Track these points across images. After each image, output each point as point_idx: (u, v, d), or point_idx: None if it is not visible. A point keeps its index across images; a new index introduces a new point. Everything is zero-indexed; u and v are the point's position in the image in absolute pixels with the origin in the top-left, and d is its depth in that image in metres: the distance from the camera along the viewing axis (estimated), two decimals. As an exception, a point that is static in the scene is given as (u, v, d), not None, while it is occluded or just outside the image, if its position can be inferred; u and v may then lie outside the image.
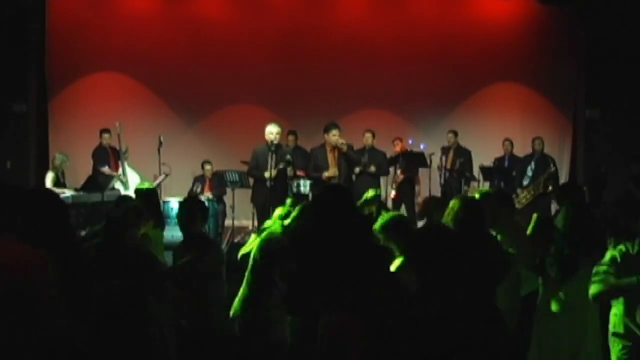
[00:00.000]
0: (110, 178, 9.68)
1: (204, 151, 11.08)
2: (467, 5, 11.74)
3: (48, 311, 2.66)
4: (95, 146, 10.03)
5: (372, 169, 9.11)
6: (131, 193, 7.01)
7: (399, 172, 10.03)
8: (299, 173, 8.55)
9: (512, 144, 10.60)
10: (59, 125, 11.21)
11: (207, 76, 11.39)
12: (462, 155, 10.31)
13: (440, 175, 10.21)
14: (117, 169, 9.84)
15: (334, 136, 8.09)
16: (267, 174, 8.04)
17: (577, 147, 11.55)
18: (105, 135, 9.98)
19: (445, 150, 10.49)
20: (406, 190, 10.19)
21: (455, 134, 10.56)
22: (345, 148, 8.14)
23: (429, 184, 10.11)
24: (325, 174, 8.19)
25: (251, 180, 8.90)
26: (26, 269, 2.63)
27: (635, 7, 10.51)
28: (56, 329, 2.70)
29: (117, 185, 9.64)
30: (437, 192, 9.85)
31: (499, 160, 10.57)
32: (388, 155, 9.71)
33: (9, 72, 10.59)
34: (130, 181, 9.65)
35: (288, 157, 8.20)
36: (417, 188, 10.41)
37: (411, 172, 10.15)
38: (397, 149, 10.24)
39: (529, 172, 10.19)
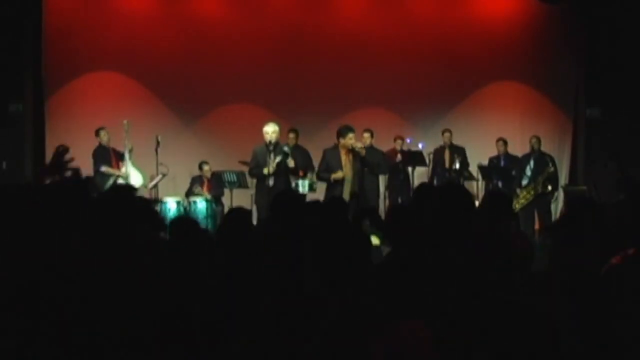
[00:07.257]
0: (109, 177, 9.57)
1: (202, 151, 11.01)
2: (467, 4, 11.68)
3: None
4: (94, 147, 9.86)
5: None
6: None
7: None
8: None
9: (505, 143, 10.45)
10: (56, 125, 11.11)
11: (205, 75, 11.31)
12: (460, 153, 10.26)
13: (435, 175, 10.19)
14: (119, 169, 9.74)
15: (350, 139, 7.93)
16: (265, 170, 7.99)
17: (577, 146, 11.50)
18: (102, 133, 9.82)
19: (439, 151, 10.42)
20: (403, 186, 10.18)
21: (451, 132, 10.52)
22: (363, 152, 7.98)
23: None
24: (333, 176, 8.03)
25: (250, 181, 8.83)
26: None
27: (635, 5, 10.46)
28: None
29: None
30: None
31: (494, 160, 10.47)
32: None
33: (5, 71, 10.48)
34: (132, 181, 9.54)
35: (285, 148, 8.12)
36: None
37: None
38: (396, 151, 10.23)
39: (528, 172, 10.10)
